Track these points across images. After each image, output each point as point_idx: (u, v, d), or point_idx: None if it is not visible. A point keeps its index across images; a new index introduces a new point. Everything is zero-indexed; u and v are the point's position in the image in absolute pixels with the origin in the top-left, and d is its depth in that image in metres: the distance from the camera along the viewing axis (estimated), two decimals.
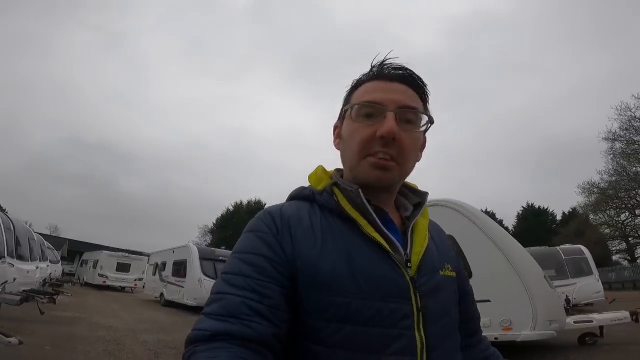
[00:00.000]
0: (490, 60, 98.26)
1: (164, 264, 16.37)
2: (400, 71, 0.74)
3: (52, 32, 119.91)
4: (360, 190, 0.69)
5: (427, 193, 0.81)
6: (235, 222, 42.05)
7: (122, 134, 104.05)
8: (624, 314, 5.93)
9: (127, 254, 24.19)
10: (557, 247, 11.40)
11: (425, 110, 0.75)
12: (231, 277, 0.62)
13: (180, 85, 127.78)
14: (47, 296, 7.93)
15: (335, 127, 0.82)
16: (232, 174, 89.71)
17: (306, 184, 0.80)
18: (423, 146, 0.80)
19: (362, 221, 0.69)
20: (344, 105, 0.79)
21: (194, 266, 13.48)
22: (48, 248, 14.83)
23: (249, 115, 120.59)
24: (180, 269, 14.56)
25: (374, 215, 0.68)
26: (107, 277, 21.73)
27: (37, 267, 10.08)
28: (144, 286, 20.91)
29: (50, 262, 14.17)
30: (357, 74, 0.79)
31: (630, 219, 27.17)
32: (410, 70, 0.74)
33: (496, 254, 5.11)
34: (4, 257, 7.01)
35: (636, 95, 23.79)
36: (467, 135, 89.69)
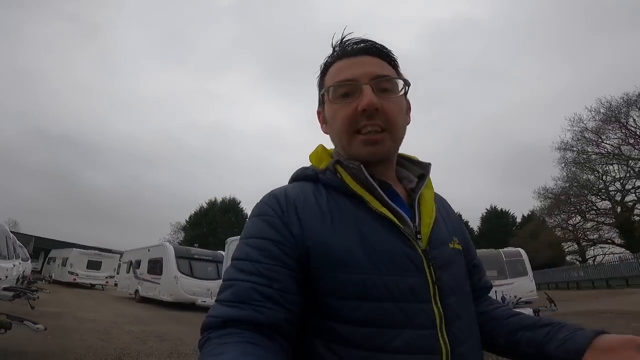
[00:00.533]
0: (462, 66, 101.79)
1: (138, 262, 16.77)
2: (362, 44, 0.74)
3: (21, 18, 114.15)
4: (362, 166, 0.69)
5: (430, 164, 0.81)
6: (209, 219, 41.96)
7: (91, 127, 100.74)
8: (527, 311, 7.18)
9: (98, 252, 24.15)
10: (500, 250, 12.59)
11: (399, 75, 0.75)
12: (240, 263, 0.62)
13: (154, 79, 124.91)
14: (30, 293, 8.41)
15: (318, 113, 0.82)
16: (207, 171, 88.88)
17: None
18: (409, 109, 0.79)
19: (368, 197, 0.68)
20: (319, 90, 0.80)
21: (170, 264, 14.05)
22: (19, 246, 14.92)
23: (224, 113, 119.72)
24: (155, 266, 15.05)
25: (380, 190, 0.68)
26: (77, 275, 21.67)
27: (13, 265, 10.43)
28: (115, 284, 21.13)
29: (22, 259, 14.33)
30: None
31: (580, 223, 28.92)
32: (372, 41, 0.75)
33: None
34: None
35: (589, 108, 25.42)
36: (436, 138, 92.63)
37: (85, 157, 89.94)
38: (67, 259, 22.30)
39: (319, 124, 0.83)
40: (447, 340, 0.62)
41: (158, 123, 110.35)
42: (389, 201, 0.69)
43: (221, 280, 0.64)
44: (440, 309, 0.63)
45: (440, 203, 0.83)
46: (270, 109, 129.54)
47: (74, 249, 23.36)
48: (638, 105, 23.35)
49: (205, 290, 13.68)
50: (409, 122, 0.78)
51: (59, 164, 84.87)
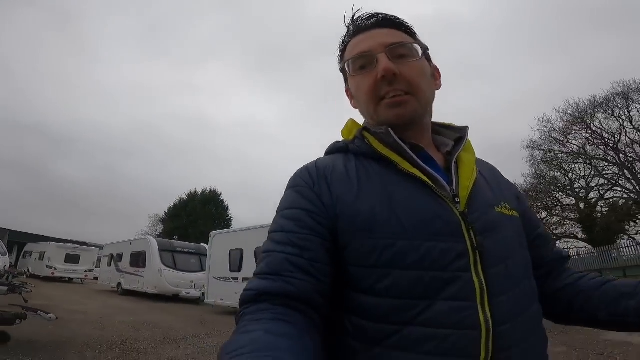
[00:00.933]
0: (442, 62, 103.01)
1: (120, 256, 16.94)
2: (373, 18, 0.75)
3: None
4: (390, 129, 0.67)
5: (467, 127, 0.78)
6: (189, 211, 41.68)
7: (65, 117, 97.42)
8: None
9: (76, 246, 24.02)
10: None
11: (415, 40, 0.74)
12: (275, 235, 0.62)
13: (132, 69, 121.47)
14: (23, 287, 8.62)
15: (346, 91, 0.83)
16: (186, 163, 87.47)
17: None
18: (438, 74, 0.79)
19: (397, 158, 0.66)
20: (341, 69, 0.81)
21: (154, 257, 14.34)
22: None
23: (205, 104, 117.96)
24: (138, 259, 15.30)
25: (410, 152, 0.66)
26: (55, 269, 21.55)
27: None
28: (95, 277, 21.12)
29: (1, 254, 14.33)
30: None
31: (547, 218, 30.64)
32: (383, 14, 0.75)
33: None
34: None
35: (557, 109, 26.33)
36: None
37: (58, 148, 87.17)
38: (44, 252, 22.13)
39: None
40: (489, 315, 0.55)
41: (136, 113, 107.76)
42: (420, 162, 0.66)
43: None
44: (483, 280, 0.57)
45: (487, 168, 0.80)
46: (252, 101, 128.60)
47: (51, 242, 23.12)
48: (604, 108, 24.54)
49: (188, 282, 14.10)
50: (438, 87, 0.78)
51: (30, 154, 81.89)
